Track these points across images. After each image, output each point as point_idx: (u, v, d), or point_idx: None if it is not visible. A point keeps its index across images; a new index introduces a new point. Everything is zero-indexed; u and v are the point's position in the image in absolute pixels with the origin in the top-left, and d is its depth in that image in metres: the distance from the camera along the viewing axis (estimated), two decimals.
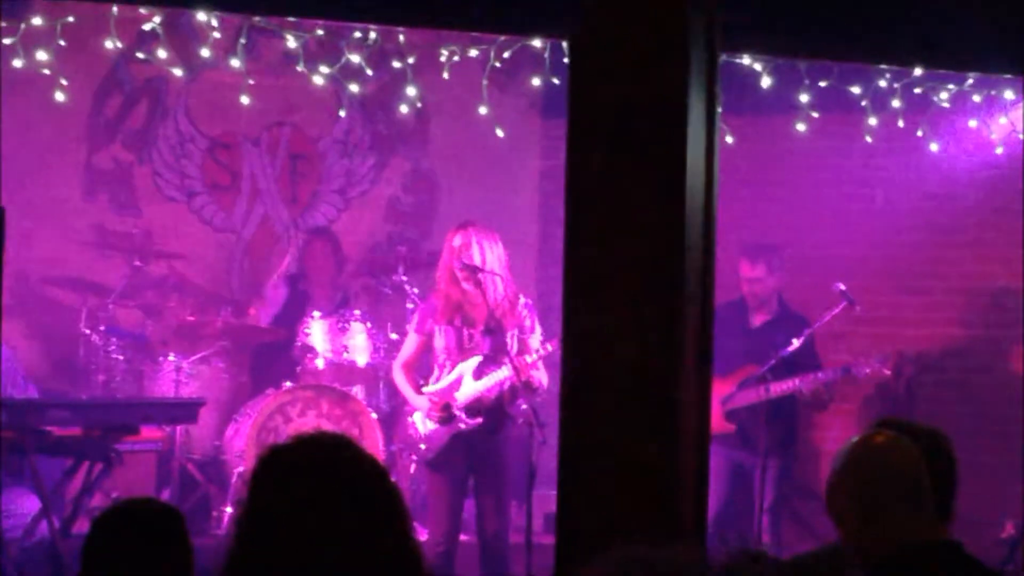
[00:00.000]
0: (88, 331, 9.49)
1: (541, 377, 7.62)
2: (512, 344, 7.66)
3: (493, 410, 7.71)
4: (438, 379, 7.78)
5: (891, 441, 3.78)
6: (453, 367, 7.73)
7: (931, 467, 3.77)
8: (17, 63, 9.24)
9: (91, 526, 3.50)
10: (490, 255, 7.66)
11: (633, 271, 3.91)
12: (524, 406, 7.51)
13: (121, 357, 9.45)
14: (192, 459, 9.30)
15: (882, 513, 3.66)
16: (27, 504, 7.49)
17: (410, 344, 7.97)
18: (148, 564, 3.39)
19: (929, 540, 3.66)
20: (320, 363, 9.14)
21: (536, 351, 7.63)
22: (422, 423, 7.76)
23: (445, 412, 7.66)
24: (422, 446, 7.71)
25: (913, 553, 3.62)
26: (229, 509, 8.78)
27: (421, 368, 8.01)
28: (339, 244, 10.16)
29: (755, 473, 8.42)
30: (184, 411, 8.05)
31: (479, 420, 7.68)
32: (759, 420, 8.28)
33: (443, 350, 7.76)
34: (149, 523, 3.47)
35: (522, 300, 7.76)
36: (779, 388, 8.34)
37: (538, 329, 7.78)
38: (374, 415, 8.75)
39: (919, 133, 9.80)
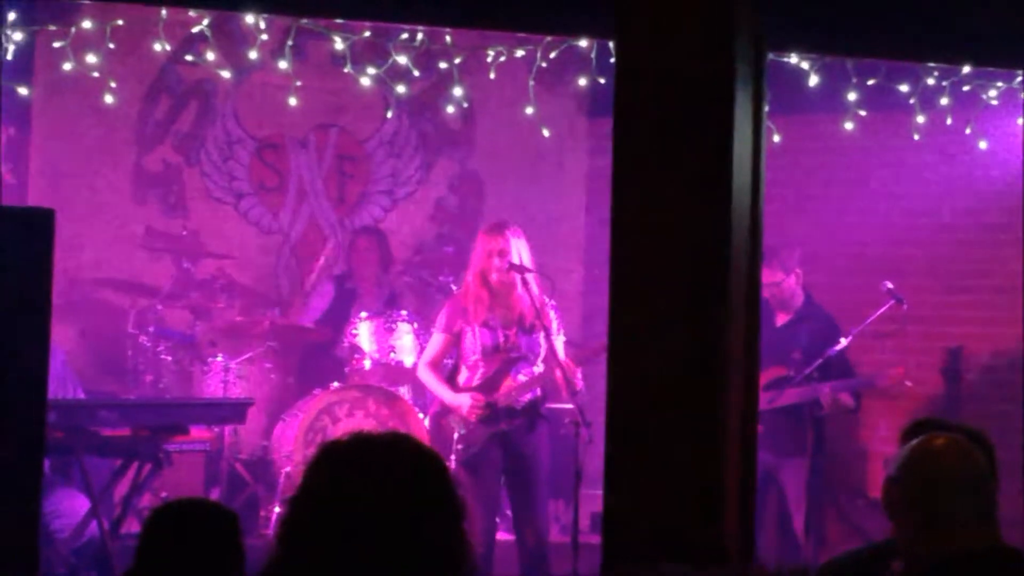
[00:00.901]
0: (137, 332, 9.54)
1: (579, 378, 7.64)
2: (545, 344, 7.68)
3: (529, 410, 7.72)
4: (469, 380, 7.78)
5: (951, 444, 3.73)
6: (487, 368, 7.73)
7: None
8: (67, 66, 9.31)
9: (145, 523, 3.52)
10: (526, 255, 7.70)
11: (680, 271, 3.90)
12: (570, 405, 7.51)
13: (169, 358, 9.50)
14: (240, 459, 9.34)
15: (939, 517, 3.61)
16: (77, 504, 7.53)
17: (435, 343, 7.96)
18: (202, 564, 3.41)
19: (986, 546, 3.60)
20: (367, 363, 9.15)
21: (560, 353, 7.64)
22: (458, 423, 7.74)
23: (488, 411, 7.66)
24: (459, 447, 7.69)
25: (968, 559, 3.57)
26: (277, 509, 8.80)
27: (443, 368, 8.01)
28: (386, 241, 10.18)
29: (779, 474, 8.40)
30: (232, 411, 8.08)
31: (518, 420, 7.69)
32: (783, 422, 8.26)
33: (476, 351, 7.75)
34: (205, 523, 3.49)
35: (548, 301, 7.79)
36: (805, 392, 8.31)
37: (562, 331, 7.81)
38: (421, 415, 8.76)
39: (967, 131, 9.74)
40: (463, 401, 7.72)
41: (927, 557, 3.59)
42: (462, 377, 7.83)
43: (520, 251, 7.67)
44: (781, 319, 8.75)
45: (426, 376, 7.96)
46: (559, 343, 7.71)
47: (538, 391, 7.75)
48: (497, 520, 8.13)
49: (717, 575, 1.73)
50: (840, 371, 8.43)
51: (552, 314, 7.75)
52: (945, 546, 3.57)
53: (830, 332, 8.56)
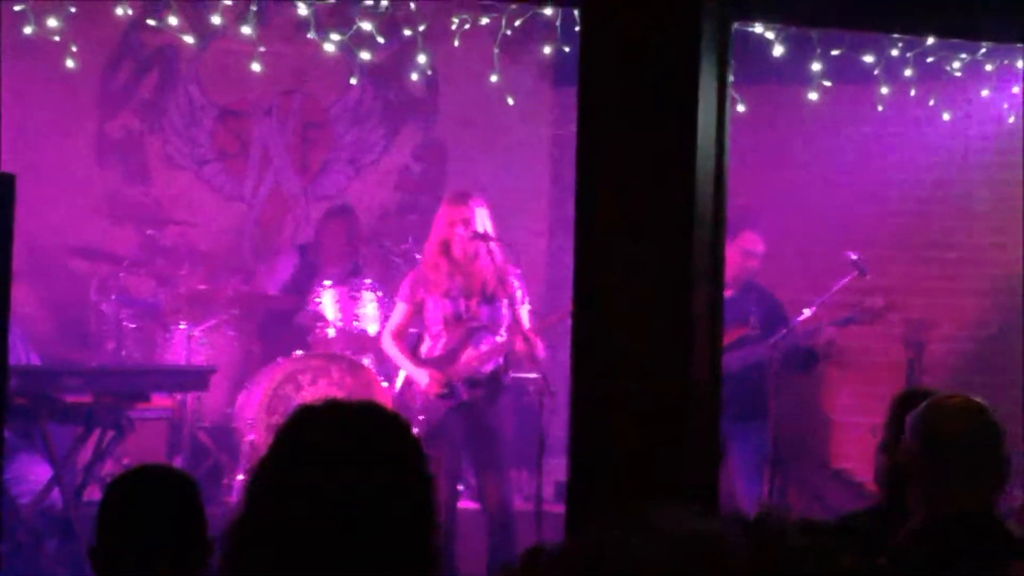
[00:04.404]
0: (99, 299, 9.50)
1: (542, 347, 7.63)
2: (507, 313, 7.68)
3: (491, 381, 7.72)
4: (431, 350, 7.79)
5: (962, 404, 3.69)
6: (449, 338, 7.73)
7: None
8: (28, 30, 9.24)
9: (106, 491, 3.52)
10: (488, 224, 7.69)
11: (645, 239, 3.91)
12: (535, 375, 7.53)
13: (132, 325, 9.46)
14: (203, 427, 9.32)
15: (939, 477, 3.59)
16: (38, 471, 7.51)
17: (398, 313, 7.96)
18: (162, 530, 3.41)
19: (965, 511, 3.57)
20: (331, 332, 9.14)
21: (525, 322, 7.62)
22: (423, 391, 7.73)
23: (447, 389, 7.66)
24: (420, 417, 7.69)
25: (945, 523, 3.56)
26: (240, 477, 8.79)
27: (406, 337, 8.01)
28: (358, 222, 10.11)
29: (733, 439, 8.40)
30: (195, 379, 8.08)
31: (479, 391, 7.68)
32: (740, 386, 8.28)
33: (438, 321, 7.75)
34: (164, 490, 3.48)
35: (512, 270, 7.77)
36: (782, 342, 8.37)
37: (527, 300, 7.79)
38: (385, 384, 8.76)
39: (931, 103, 9.78)
40: (421, 377, 7.72)
41: (924, 519, 3.58)
42: (425, 347, 7.83)
43: (483, 220, 7.66)
44: (728, 292, 8.67)
45: (388, 346, 7.97)
46: (524, 312, 7.70)
47: (500, 360, 7.75)
48: (461, 489, 8.15)
49: (677, 517, 1.73)
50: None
51: (516, 283, 7.74)
52: (940, 508, 3.56)
53: (776, 313, 8.60)
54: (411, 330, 8.04)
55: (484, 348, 7.69)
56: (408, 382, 7.87)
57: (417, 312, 7.85)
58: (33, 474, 7.51)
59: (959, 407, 3.70)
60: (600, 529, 1.78)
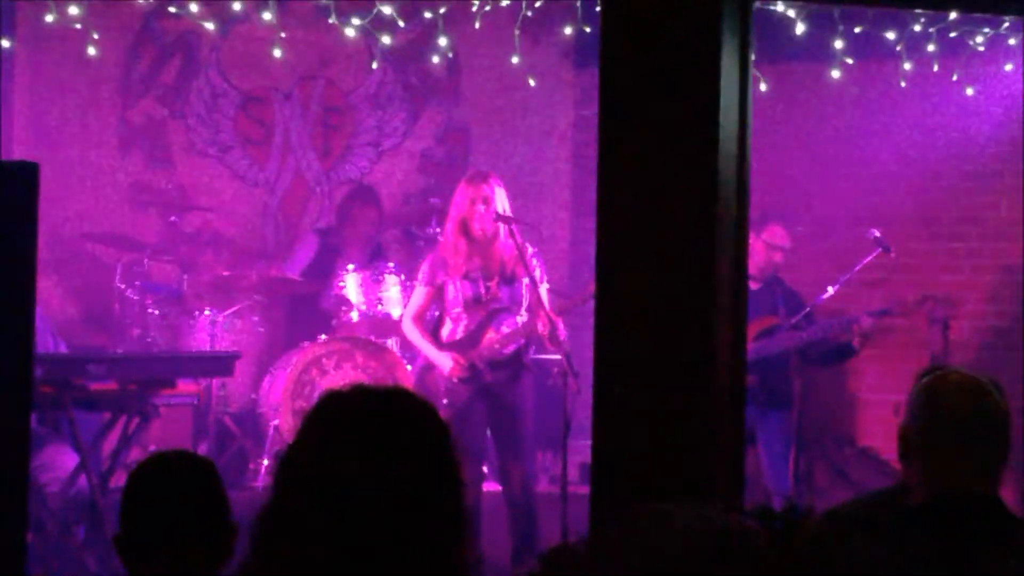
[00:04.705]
0: (124, 286, 9.52)
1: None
2: (527, 294, 7.65)
3: (512, 362, 7.70)
4: (452, 332, 7.76)
5: (961, 382, 3.63)
6: (471, 320, 7.71)
7: None
8: (49, 18, 9.25)
9: (127, 479, 3.52)
10: (507, 203, 7.66)
11: (667, 220, 3.90)
12: (558, 356, 7.51)
13: (157, 312, 9.49)
14: (228, 412, 9.34)
15: (934, 454, 3.54)
16: (65, 458, 7.53)
17: (419, 296, 7.92)
18: (183, 515, 3.41)
19: (966, 491, 3.53)
20: (355, 316, 9.14)
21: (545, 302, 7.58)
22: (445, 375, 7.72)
23: (469, 372, 7.64)
24: (444, 401, 7.66)
25: (944, 502, 3.52)
26: (265, 462, 8.81)
27: (427, 321, 8.00)
28: (381, 205, 10.10)
29: (761, 426, 8.39)
30: (220, 364, 8.08)
31: (502, 373, 7.66)
32: (768, 373, 8.28)
33: (459, 303, 7.72)
34: (183, 474, 3.48)
35: (530, 250, 7.71)
36: (815, 331, 8.37)
37: (546, 280, 7.75)
38: (409, 367, 8.76)
39: (954, 78, 9.72)
40: (444, 361, 7.70)
41: (923, 497, 3.54)
42: (446, 329, 7.81)
43: (502, 200, 7.64)
44: (754, 285, 8.65)
45: (410, 330, 7.94)
46: (543, 292, 7.65)
47: (522, 341, 7.72)
48: (485, 471, 8.14)
49: (698, 515, 1.72)
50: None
51: (535, 262, 7.68)
52: (939, 487, 3.52)
53: (800, 309, 8.58)
54: (434, 312, 8.02)
55: (505, 330, 7.66)
56: (429, 365, 7.85)
57: (437, 295, 7.82)
58: (60, 462, 7.52)
59: (957, 383, 3.64)
60: (623, 527, 1.78)
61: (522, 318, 7.66)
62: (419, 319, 7.91)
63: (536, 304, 7.58)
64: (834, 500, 4.54)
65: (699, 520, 1.74)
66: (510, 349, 7.68)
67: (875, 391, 9.90)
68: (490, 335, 7.66)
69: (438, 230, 9.56)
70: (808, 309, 8.42)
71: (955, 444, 3.53)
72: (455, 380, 7.64)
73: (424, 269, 7.88)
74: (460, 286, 7.70)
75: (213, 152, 10.71)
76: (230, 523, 3.44)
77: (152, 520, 3.42)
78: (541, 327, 7.49)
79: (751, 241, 8.41)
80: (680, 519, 1.75)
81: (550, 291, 7.85)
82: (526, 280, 7.61)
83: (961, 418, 3.55)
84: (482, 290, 7.68)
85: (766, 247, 8.57)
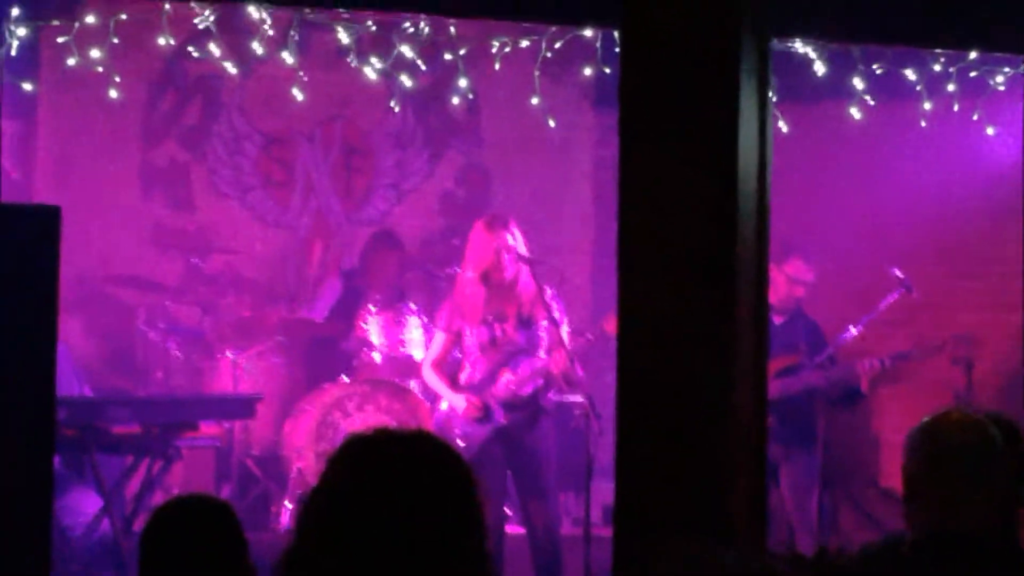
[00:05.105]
0: (146, 328, 9.54)
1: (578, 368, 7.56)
2: (545, 336, 7.63)
3: (529, 404, 7.67)
4: (471, 376, 7.75)
5: (959, 419, 3.63)
6: (488, 363, 7.69)
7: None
8: (71, 62, 9.30)
9: (146, 522, 3.54)
10: (523, 244, 7.66)
11: (686, 261, 3.90)
12: (580, 398, 7.49)
13: (179, 354, 9.50)
14: (251, 455, 9.34)
15: (931, 492, 3.52)
16: (89, 502, 7.54)
17: (438, 343, 7.92)
18: (201, 558, 3.42)
19: (969, 528, 3.49)
20: (377, 357, 9.14)
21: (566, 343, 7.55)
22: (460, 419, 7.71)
23: (483, 412, 7.63)
24: (461, 444, 7.63)
25: (945, 541, 3.49)
26: (288, 504, 8.80)
27: (447, 365, 7.99)
28: (403, 248, 10.09)
29: (784, 466, 8.35)
30: (242, 407, 8.10)
31: (517, 415, 7.64)
32: (791, 412, 8.25)
33: (476, 347, 7.72)
34: (201, 518, 3.49)
35: (548, 291, 7.69)
36: (838, 372, 8.35)
37: (566, 321, 7.71)
38: (432, 409, 8.75)
39: (975, 117, 9.72)
40: (459, 403, 7.69)
41: (913, 538, 3.51)
42: (464, 373, 7.80)
43: (520, 242, 7.64)
44: (778, 319, 8.62)
45: (429, 376, 7.95)
46: (563, 333, 7.62)
47: (539, 383, 7.69)
48: (508, 513, 8.12)
49: (738, 557, 1.71)
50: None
51: (553, 304, 7.66)
52: (927, 524, 3.48)
53: (822, 344, 8.55)
54: (456, 355, 8.00)
55: (522, 371, 7.64)
56: (448, 408, 7.84)
57: (456, 340, 7.82)
58: (84, 505, 7.54)
59: (957, 422, 3.63)
60: (663, 568, 1.78)
61: (540, 360, 7.63)
62: (438, 365, 7.90)
63: (556, 345, 7.56)
64: (859, 542, 4.52)
65: (738, 563, 1.74)
66: (527, 391, 7.65)
67: (898, 431, 9.84)
68: (506, 377, 7.64)
69: (458, 270, 9.56)
70: (831, 350, 8.40)
71: (957, 482, 3.51)
72: (470, 421, 7.63)
73: (442, 315, 7.89)
74: (477, 331, 7.69)
75: (235, 194, 10.74)
76: (249, 566, 3.45)
77: (171, 564, 3.43)
78: (555, 368, 7.47)
79: (773, 274, 8.41)
80: (721, 562, 1.75)
81: (571, 332, 7.83)
82: (544, 322, 7.60)
83: (966, 456, 3.53)
84: (498, 333, 7.67)
85: (788, 281, 8.55)
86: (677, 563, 1.78)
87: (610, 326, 7.48)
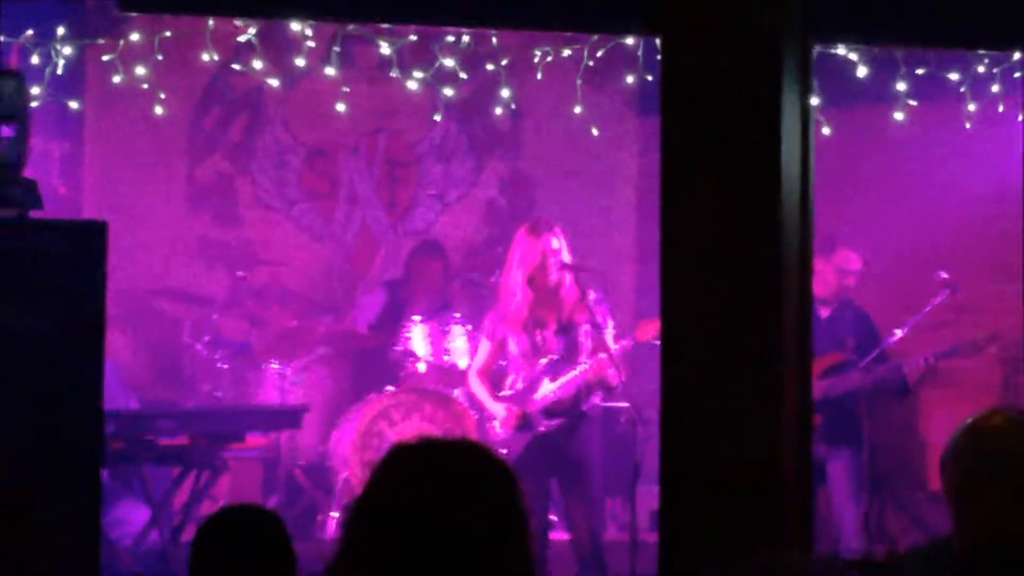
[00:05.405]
0: (193, 341, 9.60)
1: (616, 374, 7.52)
2: (586, 341, 7.61)
3: (570, 410, 7.65)
4: (513, 383, 7.75)
5: (1005, 423, 3.56)
6: (529, 370, 7.68)
7: None
8: (117, 79, 9.38)
9: (195, 533, 3.56)
10: (566, 249, 7.64)
11: (731, 266, 3.90)
12: (625, 404, 7.48)
13: (226, 366, 9.54)
14: (298, 465, 9.37)
15: (978, 498, 3.46)
16: (137, 513, 7.60)
17: (483, 351, 7.93)
18: (251, 569, 3.43)
19: (1017, 535, 3.42)
20: (422, 367, 9.16)
21: (611, 347, 7.52)
22: (500, 427, 7.72)
23: (522, 421, 7.63)
24: (503, 451, 7.62)
25: (1003, 546, 3.43)
26: (335, 514, 8.83)
27: (493, 373, 7.99)
28: (447, 258, 10.11)
29: (829, 465, 8.32)
30: (288, 418, 8.14)
31: (557, 421, 7.62)
32: (835, 412, 8.22)
33: (518, 356, 7.72)
34: (250, 529, 3.51)
35: (591, 295, 7.67)
36: (884, 372, 8.32)
37: (611, 324, 7.68)
38: (476, 418, 8.76)
39: (1020, 118, 9.67)
40: (498, 411, 7.70)
41: (961, 543, 3.44)
42: (508, 381, 7.81)
43: (565, 248, 7.63)
44: (824, 311, 8.60)
45: (474, 384, 7.96)
46: (608, 337, 7.59)
47: (580, 388, 7.67)
48: (553, 519, 8.11)
49: (806, 561, 1.72)
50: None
51: (598, 309, 7.63)
52: (978, 530, 3.42)
53: (871, 333, 8.52)
54: (502, 362, 8.01)
55: (562, 378, 7.62)
56: (490, 416, 7.86)
57: (501, 348, 7.83)
58: (132, 517, 7.60)
59: (999, 425, 3.56)
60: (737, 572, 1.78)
61: (583, 366, 7.60)
62: (484, 373, 7.91)
63: (597, 351, 7.54)
64: (906, 545, 4.51)
65: (809, 567, 1.75)
66: (567, 397, 7.64)
67: (944, 434, 9.79)
68: (546, 384, 7.63)
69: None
70: (879, 351, 8.37)
71: (1003, 486, 3.44)
72: (510, 429, 7.64)
73: (487, 323, 7.89)
74: (519, 338, 7.69)
75: (280, 207, 10.79)
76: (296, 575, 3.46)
77: (221, 574, 3.45)
78: (596, 374, 7.46)
79: (821, 266, 8.40)
80: (791, 565, 1.75)
81: (616, 337, 7.77)
82: (586, 327, 7.58)
83: (1011, 459, 3.46)
84: (538, 340, 7.67)
85: (837, 271, 8.54)
86: (752, 569, 1.79)
87: (641, 334, 7.49)
